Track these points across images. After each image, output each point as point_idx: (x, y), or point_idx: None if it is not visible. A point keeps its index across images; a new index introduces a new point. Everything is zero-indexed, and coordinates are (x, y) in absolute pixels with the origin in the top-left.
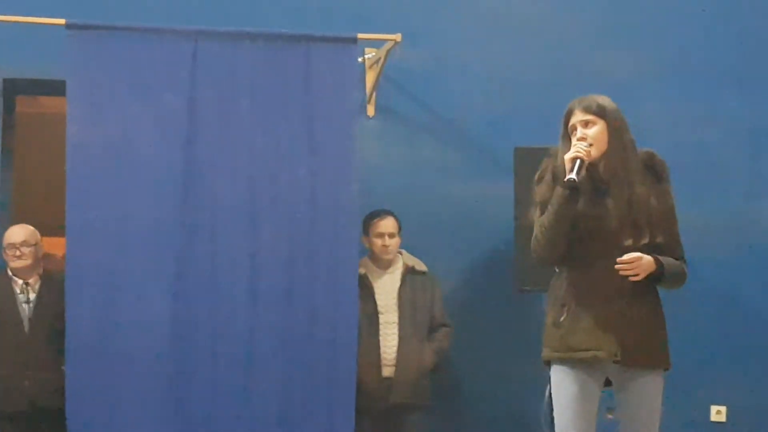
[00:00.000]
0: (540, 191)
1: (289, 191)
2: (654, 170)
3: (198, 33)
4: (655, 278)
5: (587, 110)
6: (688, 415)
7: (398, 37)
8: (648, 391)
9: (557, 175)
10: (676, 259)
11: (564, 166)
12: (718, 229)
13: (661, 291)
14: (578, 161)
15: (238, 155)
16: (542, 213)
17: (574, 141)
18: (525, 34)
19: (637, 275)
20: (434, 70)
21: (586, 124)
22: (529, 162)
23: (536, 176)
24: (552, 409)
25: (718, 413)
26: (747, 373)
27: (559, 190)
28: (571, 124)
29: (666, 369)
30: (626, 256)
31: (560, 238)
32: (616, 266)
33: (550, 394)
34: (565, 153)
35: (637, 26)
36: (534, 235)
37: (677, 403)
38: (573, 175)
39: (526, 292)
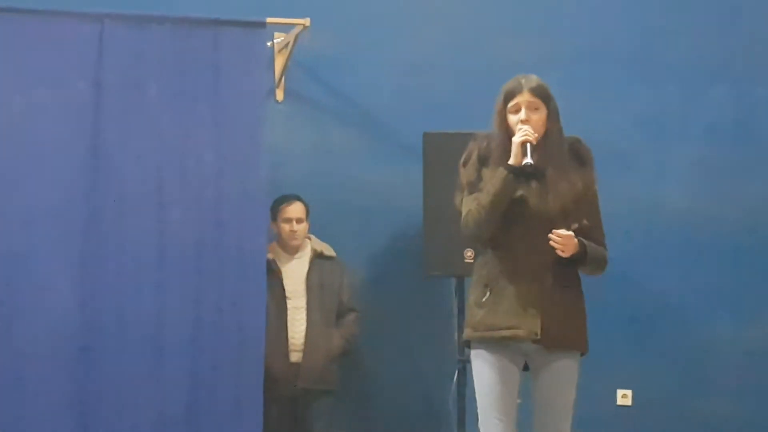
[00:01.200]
0: (466, 173)
1: (197, 176)
2: (579, 156)
3: (105, 16)
4: (578, 261)
5: (535, 93)
6: (594, 398)
7: (307, 21)
8: (563, 374)
9: (483, 157)
10: (599, 245)
11: (498, 144)
12: (623, 215)
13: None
14: (528, 145)
15: (145, 139)
16: (469, 193)
17: (514, 120)
18: (434, 19)
19: (563, 252)
20: (343, 55)
21: (531, 107)
22: (438, 147)
23: (462, 158)
24: (459, 395)
25: (624, 397)
26: (652, 357)
27: (502, 172)
28: (515, 102)
29: (583, 353)
30: (561, 232)
31: (496, 219)
32: (549, 235)
33: (458, 378)
34: (503, 130)
35: (545, 13)
36: (466, 213)
37: (584, 387)
38: (529, 159)
39: (434, 278)
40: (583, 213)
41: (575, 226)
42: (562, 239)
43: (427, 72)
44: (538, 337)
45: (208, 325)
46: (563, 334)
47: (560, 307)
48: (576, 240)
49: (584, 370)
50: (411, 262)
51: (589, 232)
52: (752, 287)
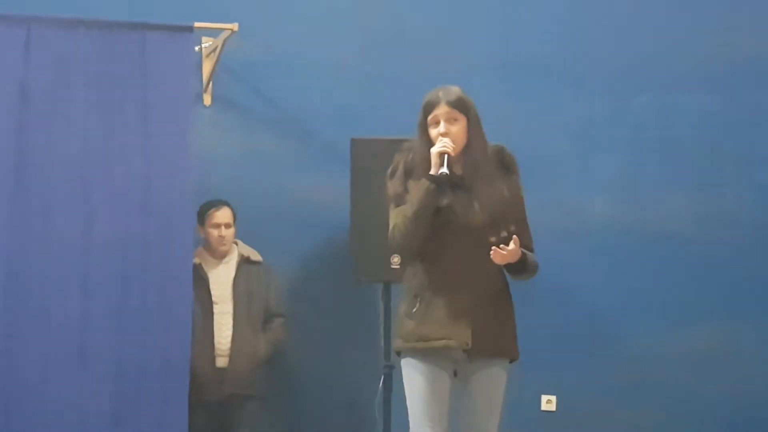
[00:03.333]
0: (393, 186)
1: (124, 181)
2: (504, 163)
3: (31, 19)
4: (517, 269)
5: (452, 105)
6: (519, 404)
7: (235, 26)
8: (492, 381)
9: (408, 170)
10: (528, 250)
11: (420, 157)
12: (549, 223)
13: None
14: (446, 156)
15: (72, 144)
16: (396, 206)
17: (434, 134)
18: (361, 26)
19: (501, 261)
20: (271, 60)
21: (450, 119)
22: (366, 153)
23: (389, 171)
24: (385, 400)
25: (548, 402)
26: (575, 362)
27: (424, 183)
28: (433, 115)
29: (512, 360)
30: (508, 247)
31: (422, 229)
32: (495, 250)
33: (384, 384)
34: (424, 142)
35: (469, 20)
36: (393, 226)
37: (508, 393)
38: (445, 169)
39: (362, 283)
40: (510, 220)
41: (504, 233)
42: (507, 253)
43: (356, 78)
44: (469, 346)
45: (134, 329)
46: (493, 342)
47: (490, 316)
48: (517, 250)
49: (508, 376)
50: (339, 268)
51: (519, 238)
52: (677, 294)
